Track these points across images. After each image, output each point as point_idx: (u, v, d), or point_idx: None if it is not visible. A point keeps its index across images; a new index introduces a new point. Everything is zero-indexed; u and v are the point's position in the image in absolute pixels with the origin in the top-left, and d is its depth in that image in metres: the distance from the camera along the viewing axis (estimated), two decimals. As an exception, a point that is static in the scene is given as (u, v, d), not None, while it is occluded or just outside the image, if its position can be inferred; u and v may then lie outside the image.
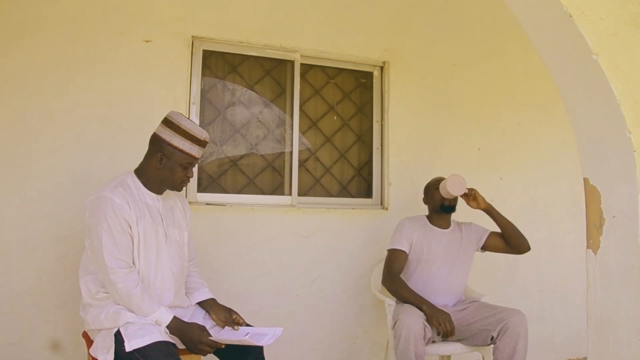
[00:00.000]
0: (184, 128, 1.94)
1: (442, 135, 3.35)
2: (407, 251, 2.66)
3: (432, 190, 2.75)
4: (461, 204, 2.74)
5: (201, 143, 1.98)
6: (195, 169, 2.08)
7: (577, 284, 3.53)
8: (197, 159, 2.00)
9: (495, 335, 2.37)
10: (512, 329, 2.34)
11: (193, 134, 1.95)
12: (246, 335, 1.97)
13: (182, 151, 1.94)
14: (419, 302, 2.43)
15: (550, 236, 3.56)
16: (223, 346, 1.88)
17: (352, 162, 3.29)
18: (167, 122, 1.97)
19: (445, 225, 2.75)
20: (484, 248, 2.75)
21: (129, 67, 2.69)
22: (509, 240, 2.67)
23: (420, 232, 2.69)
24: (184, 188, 2.11)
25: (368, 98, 3.32)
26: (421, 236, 2.68)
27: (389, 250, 2.69)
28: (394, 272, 2.60)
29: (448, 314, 2.39)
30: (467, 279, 2.75)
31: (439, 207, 2.70)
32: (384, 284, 2.64)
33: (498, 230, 2.72)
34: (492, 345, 2.43)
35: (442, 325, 2.33)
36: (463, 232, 2.75)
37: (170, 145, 1.94)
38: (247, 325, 2.08)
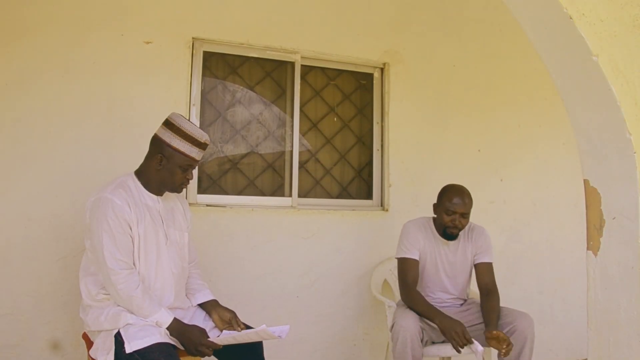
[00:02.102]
0: (184, 130, 1.94)
1: (443, 136, 3.35)
2: (418, 257, 2.56)
3: (442, 206, 2.54)
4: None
5: (201, 145, 1.98)
6: (195, 171, 2.07)
7: (577, 285, 3.52)
8: (197, 161, 2.00)
9: None
10: (519, 332, 2.32)
11: (193, 136, 1.95)
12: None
13: (182, 153, 1.94)
14: (433, 317, 2.33)
15: (551, 237, 3.56)
16: (221, 346, 1.89)
17: (352, 164, 3.29)
18: (168, 124, 1.97)
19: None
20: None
21: (129, 68, 2.69)
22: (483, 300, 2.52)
23: (424, 240, 2.59)
24: (184, 189, 2.11)
25: (368, 99, 3.32)
26: (426, 245, 2.59)
27: (399, 259, 2.58)
28: (409, 285, 2.49)
29: (462, 325, 2.26)
30: (469, 282, 2.72)
31: (441, 232, 2.57)
32: (402, 298, 2.52)
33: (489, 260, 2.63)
34: None
35: (457, 341, 2.22)
36: (471, 242, 2.63)
37: (170, 147, 1.94)
38: (248, 327, 2.07)
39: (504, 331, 2.32)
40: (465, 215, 2.53)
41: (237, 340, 1.93)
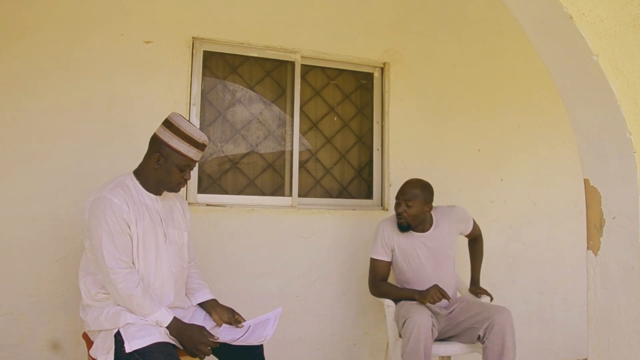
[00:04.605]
0: (183, 130, 1.94)
1: (443, 136, 3.35)
2: (388, 258, 2.68)
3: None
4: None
5: (199, 146, 1.98)
6: (194, 170, 2.07)
7: (577, 285, 3.53)
8: (195, 161, 2.00)
9: (482, 334, 2.38)
10: (497, 327, 2.34)
11: (192, 137, 1.95)
12: (248, 328, 2.00)
13: (179, 153, 1.94)
14: (410, 295, 2.52)
15: (551, 237, 3.56)
16: (218, 345, 1.89)
17: (352, 163, 3.29)
18: (167, 124, 1.97)
19: (426, 227, 2.68)
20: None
21: (129, 67, 2.70)
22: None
23: (398, 237, 2.67)
24: (183, 189, 2.11)
25: (368, 99, 3.32)
26: (400, 241, 2.66)
27: (370, 259, 2.72)
28: (377, 281, 2.67)
29: (434, 286, 2.48)
30: (455, 268, 2.75)
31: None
32: (372, 293, 2.70)
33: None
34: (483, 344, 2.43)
35: (435, 299, 2.44)
36: (449, 220, 2.70)
37: (168, 146, 1.94)
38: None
39: (483, 327, 2.39)
40: (409, 204, 2.59)
41: (236, 343, 1.94)
